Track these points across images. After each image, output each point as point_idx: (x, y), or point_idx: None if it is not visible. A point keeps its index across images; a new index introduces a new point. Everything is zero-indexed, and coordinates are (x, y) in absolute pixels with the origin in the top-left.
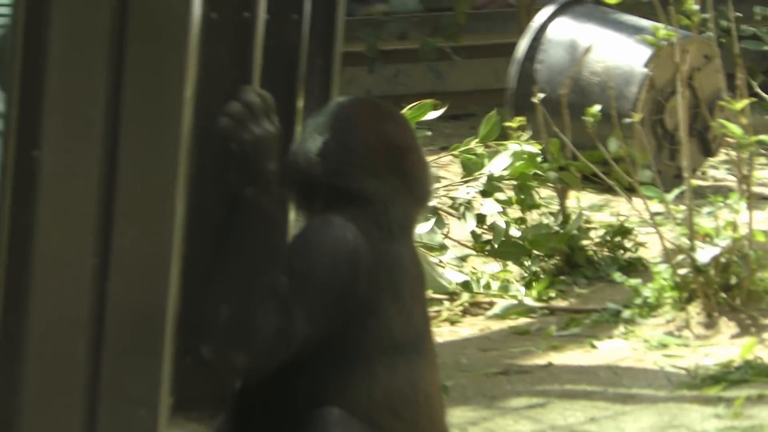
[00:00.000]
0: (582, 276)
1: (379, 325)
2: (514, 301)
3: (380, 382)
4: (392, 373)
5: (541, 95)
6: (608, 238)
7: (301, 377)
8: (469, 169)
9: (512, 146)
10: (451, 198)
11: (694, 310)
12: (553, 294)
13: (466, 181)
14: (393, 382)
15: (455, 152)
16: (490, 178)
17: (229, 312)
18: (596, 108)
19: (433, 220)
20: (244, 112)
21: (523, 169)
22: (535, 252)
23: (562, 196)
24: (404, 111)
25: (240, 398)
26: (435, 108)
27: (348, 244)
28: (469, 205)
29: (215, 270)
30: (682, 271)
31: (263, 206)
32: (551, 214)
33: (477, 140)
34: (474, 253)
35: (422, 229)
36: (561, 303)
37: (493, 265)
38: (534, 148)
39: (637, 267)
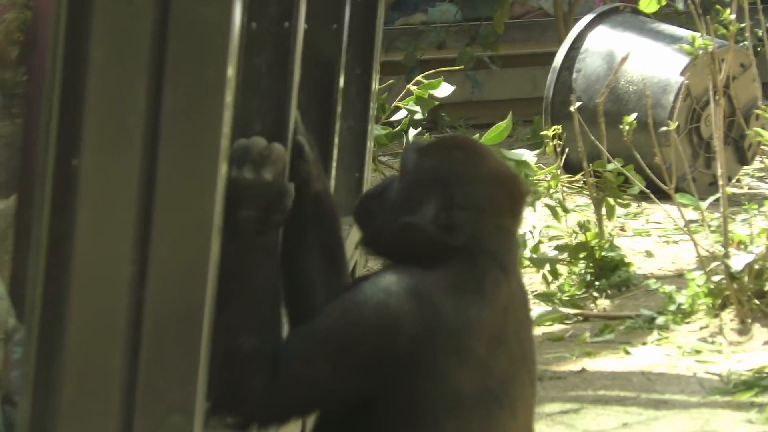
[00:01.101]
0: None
1: (442, 388)
2: (549, 308)
3: None
4: (464, 430)
5: (578, 104)
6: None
7: None
8: None
9: (514, 154)
10: None
11: (728, 316)
12: (585, 299)
13: None
14: None
15: None
16: None
17: (214, 369)
18: (632, 116)
19: None
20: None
21: None
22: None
23: (598, 204)
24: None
25: None
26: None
27: (388, 312)
28: None
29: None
30: (716, 278)
31: (228, 256)
32: (579, 224)
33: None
34: None
35: None
36: (595, 310)
37: None
38: (532, 153)
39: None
